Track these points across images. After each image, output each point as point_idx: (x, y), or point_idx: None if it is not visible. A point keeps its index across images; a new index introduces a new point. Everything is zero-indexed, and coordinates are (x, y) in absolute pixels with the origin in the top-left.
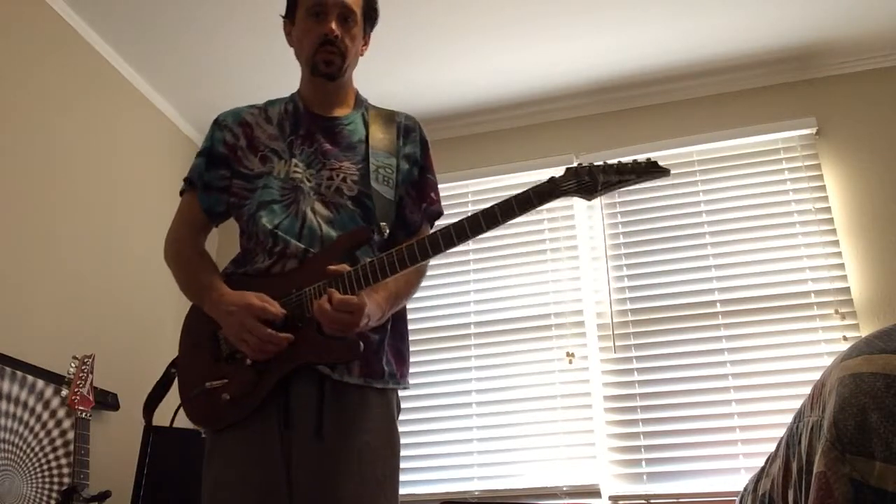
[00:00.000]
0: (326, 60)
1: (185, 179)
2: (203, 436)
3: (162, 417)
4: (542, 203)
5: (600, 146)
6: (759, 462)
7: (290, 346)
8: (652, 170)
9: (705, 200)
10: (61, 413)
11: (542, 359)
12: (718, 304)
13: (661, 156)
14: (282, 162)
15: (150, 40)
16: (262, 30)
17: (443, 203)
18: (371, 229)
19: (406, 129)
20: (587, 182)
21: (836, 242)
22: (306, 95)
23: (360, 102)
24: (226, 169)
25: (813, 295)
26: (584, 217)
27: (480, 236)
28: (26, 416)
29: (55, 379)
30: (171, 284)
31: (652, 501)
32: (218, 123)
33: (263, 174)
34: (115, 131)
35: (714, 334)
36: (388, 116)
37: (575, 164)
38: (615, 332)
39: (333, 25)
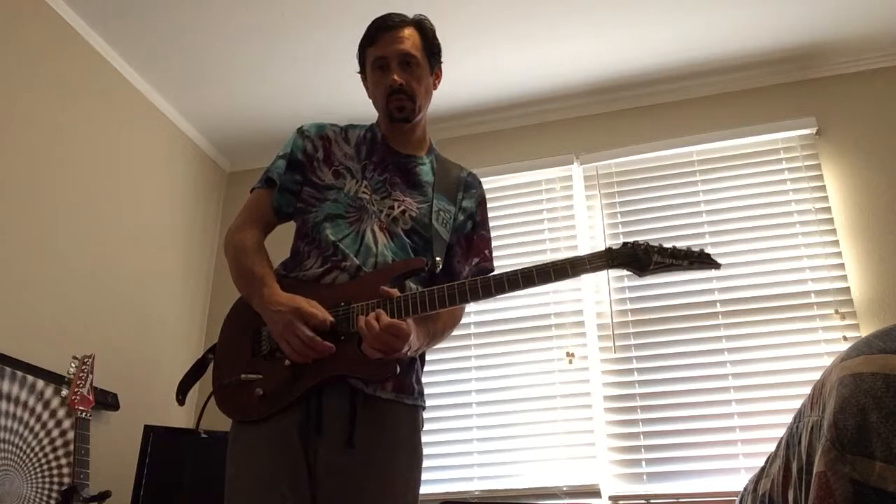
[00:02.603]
0: (398, 107)
1: (264, 177)
2: (204, 436)
3: (160, 417)
4: (594, 270)
5: (600, 146)
6: (759, 462)
7: (330, 357)
8: (704, 260)
9: (705, 200)
10: (61, 413)
11: (542, 359)
12: (718, 305)
13: (661, 156)
14: (353, 181)
15: (152, 42)
16: (264, 31)
17: None
18: (426, 262)
19: (467, 184)
20: (641, 259)
21: (836, 242)
22: (385, 131)
23: (431, 149)
24: (300, 175)
25: (813, 295)
26: (584, 217)
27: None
28: (26, 416)
29: (55, 379)
30: (172, 285)
31: (652, 501)
32: (301, 132)
33: (334, 187)
34: (115, 132)
35: (714, 334)
36: (454, 169)
37: (631, 241)
38: (615, 332)
39: (396, 76)
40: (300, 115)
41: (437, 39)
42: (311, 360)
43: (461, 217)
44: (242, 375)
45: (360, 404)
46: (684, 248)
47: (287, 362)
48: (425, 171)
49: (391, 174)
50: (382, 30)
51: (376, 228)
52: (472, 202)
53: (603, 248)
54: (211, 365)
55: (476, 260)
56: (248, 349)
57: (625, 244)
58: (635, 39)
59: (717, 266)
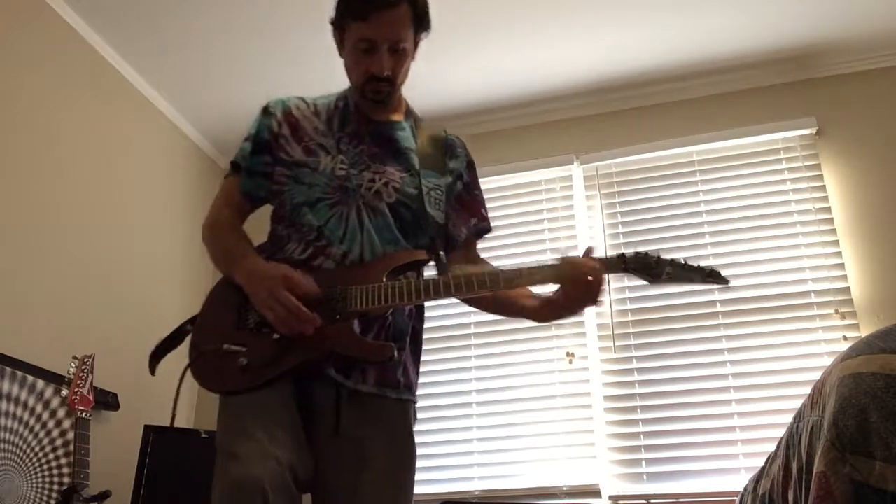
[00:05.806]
0: (375, 91)
1: (231, 163)
2: (204, 436)
3: (160, 417)
4: (608, 272)
5: (600, 146)
6: (759, 462)
7: (321, 336)
8: (716, 277)
9: (705, 200)
10: (61, 413)
11: (542, 359)
12: (718, 305)
13: (661, 156)
14: (329, 157)
15: (152, 42)
16: (264, 32)
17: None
18: (429, 259)
19: (451, 145)
20: (653, 268)
21: (836, 242)
22: (357, 98)
23: (409, 112)
24: (269, 156)
25: (813, 295)
26: (584, 217)
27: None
28: (26, 416)
29: (55, 379)
30: (172, 284)
31: (652, 501)
32: (265, 110)
33: (306, 165)
34: (116, 133)
35: (714, 334)
36: (436, 131)
37: (644, 251)
38: (615, 332)
39: (384, 64)
40: None
41: (428, 14)
42: (298, 330)
43: (449, 180)
44: (225, 346)
45: (344, 399)
46: (696, 265)
47: (275, 336)
48: (405, 137)
49: (368, 145)
50: (375, 7)
51: (361, 207)
52: (459, 163)
53: (616, 254)
54: (190, 338)
55: (474, 221)
56: (232, 322)
57: (637, 253)
58: (635, 39)
59: (726, 282)
